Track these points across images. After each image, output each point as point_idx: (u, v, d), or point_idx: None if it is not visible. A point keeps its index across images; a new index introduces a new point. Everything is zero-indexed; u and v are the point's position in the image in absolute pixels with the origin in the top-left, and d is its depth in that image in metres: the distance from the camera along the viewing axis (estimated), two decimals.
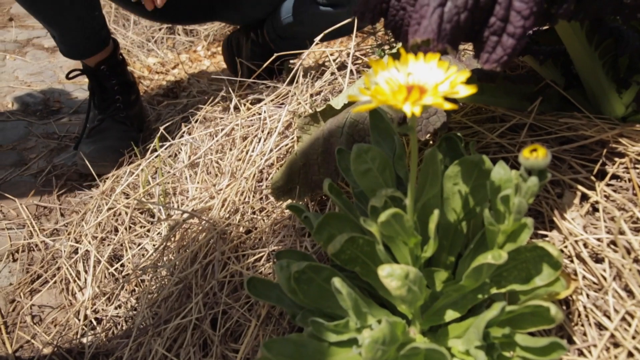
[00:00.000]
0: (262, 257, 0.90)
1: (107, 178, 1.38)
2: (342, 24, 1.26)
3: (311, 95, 1.19)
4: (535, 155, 0.51)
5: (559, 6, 0.58)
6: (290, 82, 1.28)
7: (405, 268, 0.53)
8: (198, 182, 1.18)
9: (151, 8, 1.28)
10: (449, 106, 0.44)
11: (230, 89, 1.35)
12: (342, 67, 1.31)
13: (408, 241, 0.58)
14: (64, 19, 1.38)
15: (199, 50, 2.33)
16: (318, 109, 0.94)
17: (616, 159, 0.76)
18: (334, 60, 1.31)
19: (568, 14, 0.61)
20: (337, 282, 0.56)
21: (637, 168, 0.74)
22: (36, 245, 1.23)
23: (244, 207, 1.01)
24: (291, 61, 1.34)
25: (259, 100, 1.30)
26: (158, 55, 2.23)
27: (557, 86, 0.91)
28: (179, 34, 2.42)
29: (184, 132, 1.38)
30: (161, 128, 1.36)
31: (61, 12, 1.35)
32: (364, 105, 0.46)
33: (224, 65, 2.15)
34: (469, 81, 0.47)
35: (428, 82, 0.47)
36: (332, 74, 1.27)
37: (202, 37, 2.39)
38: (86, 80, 1.55)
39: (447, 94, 0.45)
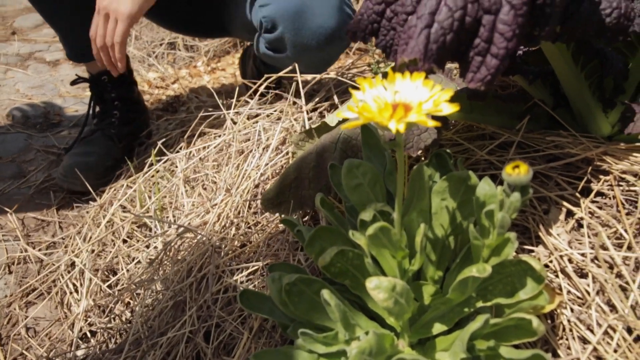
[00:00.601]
0: (256, 270, 0.91)
1: (104, 191, 1.39)
2: (284, 71, 1.26)
3: (307, 112, 1.21)
4: (518, 171, 0.53)
5: (541, 28, 0.60)
6: (286, 100, 1.30)
7: (392, 280, 0.54)
8: (194, 197, 1.19)
9: (116, 75, 1.32)
10: (432, 123, 0.46)
11: (227, 105, 1.37)
12: (338, 84, 1.33)
13: (395, 254, 0.60)
14: (64, 15, 1.40)
15: (199, 65, 2.36)
16: (313, 126, 0.96)
17: (601, 176, 0.77)
18: (330, 79, 1.34)
19: (551, 36, 0.63)
20: (325, 294, 0.58)
21: (621, 185, 0.75)
22: (32, 258, 1.24)
23: (238, 221, 1.03)
24: (288, 79, 1.36)
25: (256, 116, 1.32)
26: (158, 70, 2.27)
27: (546, 105, 0.93)
28: (179, 50, 2.46)
29: (181, 147, 1.40)
30: (159, 143, 1.38)
31: (63, 8, 1.37)
32: (352, 122, 0.48)
33: (224, 81, 2.18)
34: (453, 99, 0.49)
35: (413, 100, 0.49)
36: (328, 90, 1.30)
37: (203, 53, 2.43)
38: (86, 94, 1.57)
39: (430, 112, 0.47)
